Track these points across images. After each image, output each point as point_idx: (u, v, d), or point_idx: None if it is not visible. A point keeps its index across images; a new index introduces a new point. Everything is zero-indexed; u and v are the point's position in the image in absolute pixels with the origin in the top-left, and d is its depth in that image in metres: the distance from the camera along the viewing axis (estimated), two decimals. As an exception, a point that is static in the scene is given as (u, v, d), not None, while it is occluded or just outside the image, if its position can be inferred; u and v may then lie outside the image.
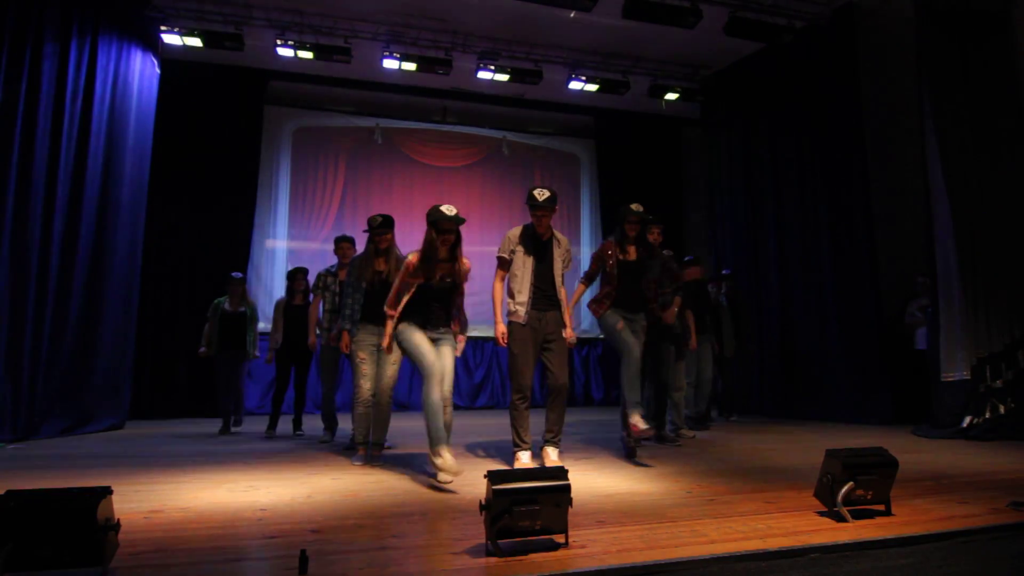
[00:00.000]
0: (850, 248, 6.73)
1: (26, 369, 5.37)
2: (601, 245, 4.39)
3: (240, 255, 8.15)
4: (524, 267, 3.90)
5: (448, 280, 3.53)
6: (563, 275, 4.02)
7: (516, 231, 3.99)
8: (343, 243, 5.25)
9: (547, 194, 3.87)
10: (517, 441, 3.90)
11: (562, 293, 4.00)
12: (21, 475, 3.64)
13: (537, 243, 3.95)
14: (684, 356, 5.34)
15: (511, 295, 3.93)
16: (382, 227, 4.20)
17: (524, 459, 3.84)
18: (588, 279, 4.44)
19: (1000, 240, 5.54)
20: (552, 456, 3.88)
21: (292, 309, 5.71)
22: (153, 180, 6.96)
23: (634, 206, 4.17)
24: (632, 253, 4.24)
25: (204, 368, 6.26)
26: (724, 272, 7.38)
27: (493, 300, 3.97)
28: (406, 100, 9.23)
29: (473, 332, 9.07)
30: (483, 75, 7.93)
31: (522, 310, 3.86)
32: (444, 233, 3.42)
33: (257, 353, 6.08)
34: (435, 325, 3.54)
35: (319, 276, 5.23)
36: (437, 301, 3.54)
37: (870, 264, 6.56)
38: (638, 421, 3.95)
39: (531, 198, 3.88)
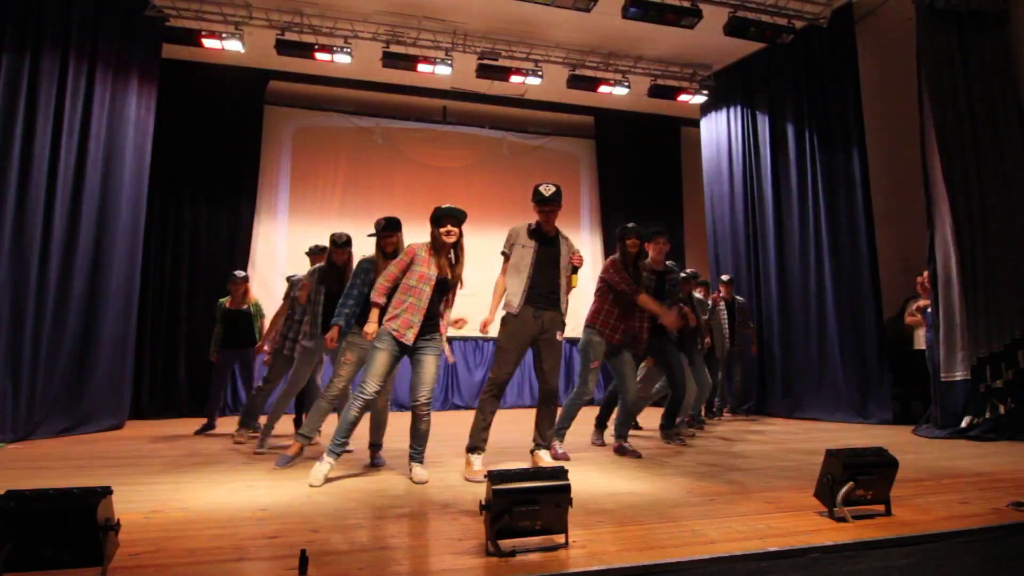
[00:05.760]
0: (850, 248, 6.73)
1: (26, 369, 5.36)
2: (614, 262, 4.41)
3: (240, 255, 8.15)
4: (524, 261, 3.79)
5: (449, 278, 3.53)
6: (569, 278, 3.91)
7: (521, 226, 3.92)
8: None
9: (553, 188, 3.81)
10: (473, 440, 3.66)
11: (565, 295, 3.89)
12: (21, 475, 3.64)
13: (542, 239, 3.85)
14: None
15: (509, 287, 3.82)
16: (386, 230, 4.06)
17: (476, 464, 3.57)
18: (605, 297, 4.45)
19: (1000, 240, 5.53)
20: (545, 459, 3.82)
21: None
22: (153, 180, 6.96)
23: (631, 225, 4.43)
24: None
25: (204, 368, 6.24)
26: (723, 278, 7.37)
27: (493, 294, 3.90)
28: (406, 100, 9.23)
29: (474, 332, 9.10)
30: (483, 75, 7.92)
31: (516, 302, 3.74)
32: (442, 226, 3.45)
33: (269, 348, 5.92)
34: (424, 328, 3.45)
35: (292, 283, 5.14)
36: (433, 298, 3.50)
37: (870, 264, 6.56)
38: (553, 453, 4.04)
39: (537, 194, 3.82)
